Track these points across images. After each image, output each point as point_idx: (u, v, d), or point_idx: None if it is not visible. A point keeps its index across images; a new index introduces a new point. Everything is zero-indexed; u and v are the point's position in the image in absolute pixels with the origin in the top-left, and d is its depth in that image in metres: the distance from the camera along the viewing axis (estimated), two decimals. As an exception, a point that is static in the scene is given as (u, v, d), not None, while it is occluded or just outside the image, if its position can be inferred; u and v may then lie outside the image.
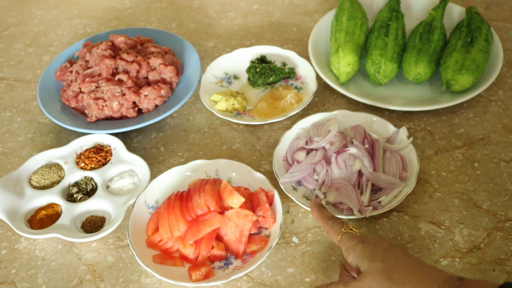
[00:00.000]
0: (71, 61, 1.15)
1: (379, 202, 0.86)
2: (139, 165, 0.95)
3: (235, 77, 1.12)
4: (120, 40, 1.13)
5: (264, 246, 0.82)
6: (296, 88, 1.09)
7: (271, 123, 1.03)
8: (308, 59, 1.14)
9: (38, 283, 0.83)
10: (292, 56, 1.13)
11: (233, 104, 1.03)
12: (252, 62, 1.12)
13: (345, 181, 0.87)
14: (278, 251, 0.84)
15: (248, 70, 1.10)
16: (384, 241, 0.72)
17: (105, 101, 1.03)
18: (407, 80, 1.08)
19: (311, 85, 1.06)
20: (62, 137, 1.06)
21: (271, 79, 1.09)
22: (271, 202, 0.86)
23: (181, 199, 0.84)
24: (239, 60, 1.14)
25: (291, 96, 1.04)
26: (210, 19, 1.34)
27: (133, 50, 1.12)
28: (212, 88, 1.09)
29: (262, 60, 1.14)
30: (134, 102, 1.05)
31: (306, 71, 1.10)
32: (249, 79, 1.11)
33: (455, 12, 1.17)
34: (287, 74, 1.10)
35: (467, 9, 1.12)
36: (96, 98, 1.03)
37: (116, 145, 0.98)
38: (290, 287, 0.80)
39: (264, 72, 1.09)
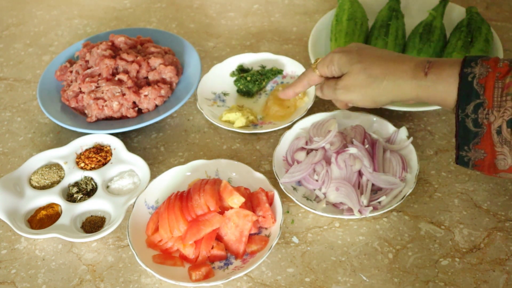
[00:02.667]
0: (71, 61, 1.15)
1: (379, 202, 0.86)
2: (139, 165, 0.95)
3: (224, 94, 1.10)
4: (120, 40, 1.13)
5: (264, 246, 0.82)
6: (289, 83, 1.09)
7: (272, 123, 1.03)
8: (307, 59, 1.14)
9: (38, 283, 0.83)
10: (269, 58, 1.13)
11: (248, 117, 1.02)
12: (233, 74, 1.11)
13: (345, 181, 0.87)
14: (278, 251, 0.84)
15: (237, 82, 1.09)
16: (352, 46, 0.82)
17: (105, 101, 1.03)
18: (407, 80, 1.07)
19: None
20: (62, 137, 1.06)
21: (264, 83, 1.09)
22: (271, 202, 0.86)
23: (181, 199, 0.84)
24: (218, 76, 1.11)
25: None
26: (210, 19, 1.34)
27: (133, 50, 1.12)
28: (212, 110, 1.05)
29: (241, 69, 1.12)
30: (134, 102, 1.05)
31: (294, 67, 1.11)
32: (239, 91, 1.09)
33: (455, 12, 1.17)
34: (276, 71, 1.10)
35: (467, 9, 1.12)
36: (96, 98, 1.03)
37: (116, 145, 0.98)
38: (290, 287, 0.80)
39: (256, 78, 1.08)
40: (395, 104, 1.01)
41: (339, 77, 0.82)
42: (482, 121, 0.69)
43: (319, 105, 1.07)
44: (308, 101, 1.02)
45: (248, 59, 1.14)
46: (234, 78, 1.11)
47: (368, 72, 0.77)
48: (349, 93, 0.80)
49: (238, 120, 1.01)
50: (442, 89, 0.72)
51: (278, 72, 1.11)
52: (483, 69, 0.69)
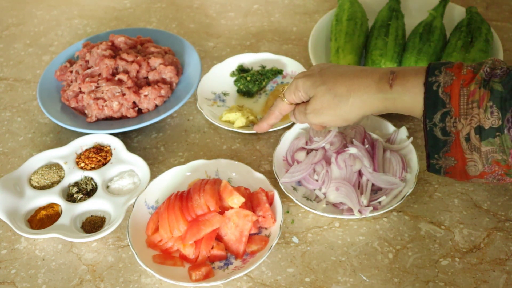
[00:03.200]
0: (71, 61, 1.15)
1: (379, 202, 0.86)
2: (139, 165, 0.95)
3: (224, 94, 1.10)
4: (120, 40, 1.13)
5: (264, 246, 0.82)
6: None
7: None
8: (307, 59, 1.14)
9: (38, 283, 0.83)
10: (269, 58, 1.13)
11: (248, 117, 1.02)
12: (233, 74, 1.12)
13: (345, 181, 0.87)
14: (278, 251, 0.84)
15: (237, 82, 1.09)
16: (314, 68, 0.82)
17: (105, 101, 1.03)
18: (407, 80, 1.07)
19: None
20: (62, 137, 1.06)
21: (264, 83, 1.09)
22: (271, 202, 0.86)
23: (181, 199, 0.84)
24: (218, 76, 1.11)
25: None
26: (210, 19, 1.34)
27: (133, 50, 1.12)
28: (212, 110, 1.06)
29: (241, 69, 1.12)
30: (134, 102, 1.05)
31: (295, 67, 1.10)
32: (239, 91, 1.09)
33: (455, 12, 1.17)
34: (276, 71, 1.10)
35: (467, 9, 1.12)
36: (96, 98, 1.03)
37: (116, 145, 0.98)
38: (290, 287, 0.80)
39: (256, 78, 1.08)
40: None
41: (308, 102, 0.82)
42: (450, 130, 0.69)
43: (319, 105, 1.07)
44: None
45: (248, 59, 1.14)
46: (234, 78, 1.11)
47: (333, 92, 0.77)
48: (319, 115, 0.80)
49: (238, 120, 1.01)
50: (409, 99, 0.72)
51: (278, 72, 1.11)
52: (447, 77, 0.69)
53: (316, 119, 0.81)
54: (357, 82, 0.76)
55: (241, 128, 1.00)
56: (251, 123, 1.02)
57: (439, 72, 0.70)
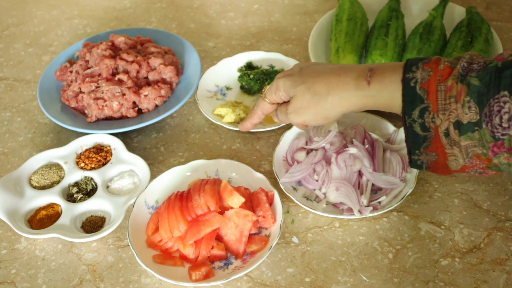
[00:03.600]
0: (71, 61, 1.15)
1: (379, 202, 0.86)
2: (139, 165, 0.95)
3: (227, 88, 1.11)
4: (120, 40, 1.13)
5: (264, 246, 0.82)
6: None
7: (262, 124, 1.02)
8: (308, 59, 1.14)
9: (38, 283, 0.83)
10: (279, 58, 1.12)
11: (239, 115, 1.02)
12: (240, 70, 1.12)
13: (345, 181, 0.87)
14: (278, 251, 0.84)
15: (241, 79, 1.09)
16: (294, 67, 0.83)
17: (105, 101, 1.03)
18: (407, 80, 1.07)
19: None
20: (62, 137, 1.06)
21: (267, 83, 1.09)
22: (271, 202, 0.86)
23: (181, 199, 0.84)
24: (225, 70, 1.12)
25: None
26: (210, 19, 1.34)
27: (133, 50, 1.12)
28: (210, 102, 1.07)
29: (249, 66, 1.13)
30: (134, 102, 1.05)
31: None
32: (242, 87, 1.10)
33: (455, 12, 1.17)
34: None
35: (467, 9, 1.12)
36: (96, 98, 1.03)
37: (116, 145, 0.98)
38: (290, 287, 0.80)
39: (259, 77, 1.08)
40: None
41: (289, 101, 0.83)
42: (429, 125, 0.69)
43: (319, 105, 1.07)
44: None
45: (258, 56, 1.14)
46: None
47: (312, 90, 0.77)
48: (300, 115, 0.81)
49: (227, 116, 1.02)
50: (387, 96, 0.72)
51: None
52: (424, 73, 0.69)
53: (297, 119, 0.82)
54: (336, 80, 0.76)
55: (229, 124, 1.01)
56: (241, 121, 1.02)
57: (416, 68, 0.70)
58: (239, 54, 1.14)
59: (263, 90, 0.89)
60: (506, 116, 0.62)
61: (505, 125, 0.63)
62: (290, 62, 1.11)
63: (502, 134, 0.63)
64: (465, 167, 0.70)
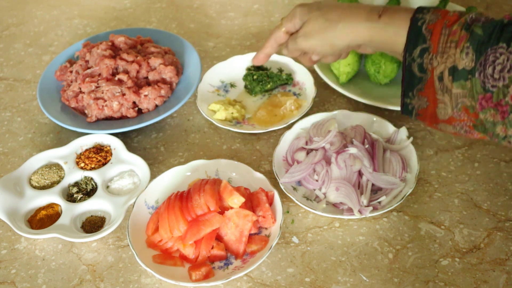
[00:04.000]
0: (71, 61, 1.15)
1: (379, 202, 0.86)
2: (139, 165, 0.95)
3: (232, 85, 1.11)
4: (120, 40, 1.13)
5: (264, 246, 0.82)
6: (294, 94, 1.08)
7: (254, 126, 1.02)
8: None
9: (38, 283, 0.83)
10: (288, 62, 1.12)
11: (232, 113, 1.02)
12: (248, 69, 1.12)
13: (345, 181, 0.87)
14: (278, 251, 0.84)
15: (245, 78, 1.09)
16: (314, 1, 0.84)
17: (105, 101, 1.03)
18: (407, 80, 1.08)
19: (310, 91, 1.06)
20: (62, 137, 1.06)
21: (269, 86, 1.08)
22: (271, 202, 0.86)
23: (181, 199, 0.84)
24: (234, 67, 1.13)
25: (290, 102, 1.03)
26: (210, 19, 1.34)
27: (133, 50, 1.12)
28: (210, 97, 1.08)
29: (258, 67, 1.12)
30: (134, 102, 1.05)
31: (304, 76, 1.09)
32: (246, 86, 1.10)
33: (455, 12, 1.17)
34: (285, 80, 1.10)
35: (467, 9, 1.12)
36: (96, 98, 1.03)
37: (116, 145, 0.98)
38: (290, 287, 0.80)
39: (262, 79, 1.08)
40: (395, 104, 1.01)
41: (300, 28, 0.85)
42: (427, 66, 0.71)
43: (319, 105, 1.07)
44: (297, 115, 1.01)
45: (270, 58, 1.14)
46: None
47: (325, 17, 0.80)
48: (309, 39, 0.82)
49: (218, 113, 1.02)
50: (393, 31, 0.74)
51: (287, 79, 1.10)
52: (433, 16, 0.71)
53: (305, 43, 0.83)
54: (349, 11, 0.78)
55: (219, 121, 1.01)
56: (234, 120, 1.03)
57: (427, 11, 0.72)
58: (252, 53, 1.14)
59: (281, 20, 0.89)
60: (499, 67, 0.64)
61: (496, 76, 0.64)
62: (300, 69, 1.10)
63: (492, 86, 0.65)
64: (453, 118, 0.71)
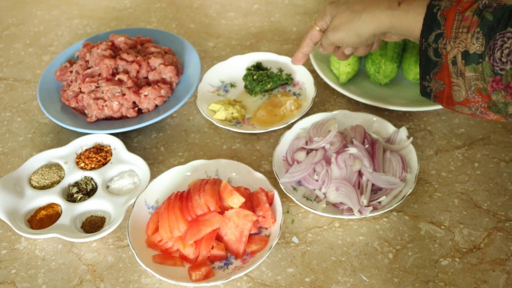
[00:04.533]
0: (71, 61, 1.15)
1: (379, 202, 0.86)
2: (139, 165, 0.95)
3: (232, 85, 1.11)
4: (120, 40, 1.13)
5: (264, 246, 0.82)
6: (294, 94, 1.08)
7: (254, 126, 1.02)
8: (308, 59, 1.14)
9: (38, 283, 0.83)
10: (288, 62, 1.12)
11: (232, 113, 1.02)
12: (248, 69, 1.12)
13: (345, 181, 0.87)
14: (278, 251, 0.84)
15: (245, 78, 1.09)
16: None
17: (105, 101, 1.03)
18: (407, 80, 1.08)
19: (310, 91, 1.06)
20: (62, 137, 1.06)
21: (269, 86, 1.08)
22: (271, 202, 0.86)
23: (181, 199, 0.84)
24: (234, 67, 1.13)
25: (290, 103, 1.03)
26: (210, 19, 1.34)
27: (133, 50, 1.12)
28: (210, 97, 1.08)
29: (258, 67, 1.12)
30: (134, 102, 1.05)
31: (304, 76, 1.09)
32: (246, 86, 1.10)
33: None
34: (285, 80, 1.10)
35: None
36: (96, 98, 1.03)
37: (116, 145, 0.98)
38: (290, 287, 0.80)
39: (261, 79, 1.08)
40: (395, 104, 1.01)
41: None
42: (441, 51, 0.74)
43: (319, 105, 1.08)
44: (297, 115, 1.01)
45: (269, 58, 1.14)
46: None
47: (351, 8, 0.84)
48: (337, 32, 0.87)
49: (218, 113, 1.02)
50: (411, 18, 0.78)
51: (287, 79, 1.10)
52: (448, 3, 0.74)
53: (334, 36, 0.88)
54: (372, 1, 0.83)
55: (218, 121, 1.01)
56: (234, 120, 1.03)
57: None
58: (251, 53, 1.14)
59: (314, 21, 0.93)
60: (506, 51, 0.66)
61: (504, 59, 0.66)
62: (300, 69, 1.10)
63: (501, 69, 0.67)
64: (467, 100, 0.74)
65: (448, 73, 0.74)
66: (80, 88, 1.06)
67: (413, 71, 1.04)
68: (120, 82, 1.05)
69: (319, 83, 1.09)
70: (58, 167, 0.97)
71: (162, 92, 1.05)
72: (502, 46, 0.67)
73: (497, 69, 0.68)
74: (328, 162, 0.90)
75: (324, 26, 0.90)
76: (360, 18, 0.83)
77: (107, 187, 0.94)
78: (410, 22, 0.78)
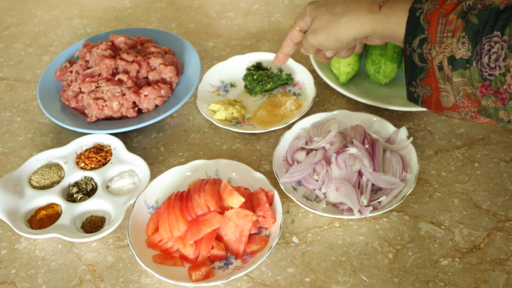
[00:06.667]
0: (71, 61, 1.15)
1: (379, 202, 0.86)
2: (139, 165, 0.95)
3: (232, 85, 1.11)
4: (120, 40, 1.13)
5: (264, 246, 0.82)
6: (294, 94, 1.08)
7: (254, 126, 1.03)
8: (308, 59, 1.14)
9: (38, 283, 0.83)
10: (288, 62, 1.12)
11: (232, 113, 1.02)
12: (248, 69, 1.12)
13: (345, 181, 0.87)
14: (278, 251, 0.84)
15: (245, 78, 1.09)
16: None
17: (105, 101, 1.03)
18: (407, 80, 1.08)
19: (310, 91, 1.06)
20: (62, 137, 1.06)
21: (269, 86, 1.08)
22: (271, 202, 0.86)
23: (181, 199, 0.84)
24: (234, 67, 1.13)
25: (290, 103, 1.03)
26: (210, 19, 1.34)
27: (133, 50, 1.12)
28: (210, 97, 1.08)
29: (258, 67, 1.12)
30: (134, 102, 1.05)
31: (304, 76, 1.09)
32: (246, 86, 1.10)
33: (455, 12, 1.17)
34: (285, 80, 1.09)
35: None
36: (96, 98, 1.03)
37: (116, 145, 0.98)
38: (290, 287, 0.80)
39: (261, 79, 1.08)
40: (395, 104, 1.01)
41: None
42: (427, 56, 0.71)
43: (319, 105, 1.08)
44: (297, 115, 1.01)
45: (270, 58, 1.14)
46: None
47: (331, 12, 0.82)
48: (316, 35, 0.84)
49: (218, 113, 1.02)
50: (393, 22, 0.75)
51: (287, 79, 1.10)
52: (431, 5, 0.71)
53: (313, 39, 0.85)
54: (353, 4, 0.80)
55: (218, 121, 1.01)
56: (234, 120, 1.03)
57: (425, 0, 0.72)
58: (251, 53, 1.14)
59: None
60: (494, 56, 0.64)
61: (492, 65, 0.64)
62: (300, 69, 1.10)
63: (489, 75, 0.65)
64: (456, 106, 0.72)
65: (435, 78, 0.72)
66: (80, 88, 1.06)
67: (413, 71, 1.04)
68: (120, 82, 1.05)
69: (319, 83, 1.09)
70: (58, 167, 0.97)
71: (162, 92, 1.05)
72: (490, 51, 0.64)
73: (486, 74, 0.66)
74: (328, 162, 0.90)
75: (305, 27, 0.88)
76: (340, 22, 0.80)
77: (107, 187, 0.94)
78: (393, 27, 0.75)
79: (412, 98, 0.77)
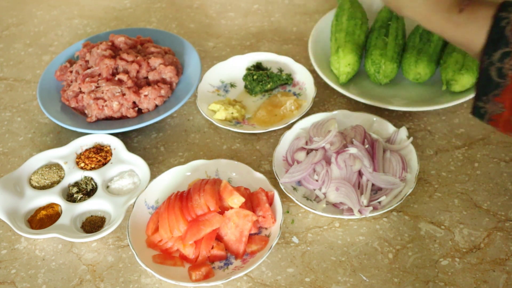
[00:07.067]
0: (71, 61, 1.15)
1: (379, 202, 0.86)
2: (139, 165, 0.95)
3: (232, 85, 1.11)
4: (120, 40, 1.13)
5: (264, 246, 0.82)
6: (294, 94, 1.08)
7: (254, 126, 1.03)
8: (307, 59, 1.14)
9: (38, 283, 0.83)
10: (288, 62, 1.12)
11: (232, 113, 1.02)
12: (248, 69, 1.12)
13: (345, 181, 0.87)
14: (278, 251, 0.84)
15: (245, 78, 1.09)
16: None
17: (105, 101, 1.03)
18: (407, 80, 1.08)
19: (310, 91, 1.06)
20: (62, 137, 1.06)
21: (269, 86, 1.08)
22: (271, 202, 0.86)
23: (181, 199, 0.84)
24: (234, 67, 1.13)
25: (290, 102, 1.03)
26: (210, 19, 1.34)
27: (133, 50, 1.12)
28: (210, 97, 1.08)
29: (258, 67, 1.12)
30: (134, 102, 1.05)
31: (304, 76, 1.09)
32: (246, 86, 1.10)
33: (455, 12, 1.17)
34: (285, 80, 1.09)
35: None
36: (96, 98, 1.03)
37: (116, 145, 0.98)
38: (290, 287, 0.80)
39: (261, 79, 1.08)
40: (395, 104, 1.01)
41: None
42: (507, 72, 0.63)
43: (319, 105, 1.07)
44: (297, 115, 1.01)
45: (269, 58, 1.14)
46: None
47: None
48: None
49: (218, 113, 1.02)
50: (472, 29, 0.67)
51: (287, 79, 1.10)
52: None
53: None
54: None
55: (218, 121, 1.01)
56: (234, 120, 1.03)
57: None
58: (251, 53, 1.14)
59: None
60: None
61: None
62: (300, 69, 1.10)
63: None
64: None
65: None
66: (80, 88, 1.06)
67: (413, 71, 1.04)
68: (120, 82, 1.05)
69: (319, 83, 1.09)
70: (58, 167, 0.97)
71: (162, 92, 1.05)
72: None
73: None
74: (328, 162, 0.90)
75: None
76: (416, 1, 0.71)
77: (107, 187, 0.94)
78: (470, 35, 0.67)
79: (478, 114, 0.70)
